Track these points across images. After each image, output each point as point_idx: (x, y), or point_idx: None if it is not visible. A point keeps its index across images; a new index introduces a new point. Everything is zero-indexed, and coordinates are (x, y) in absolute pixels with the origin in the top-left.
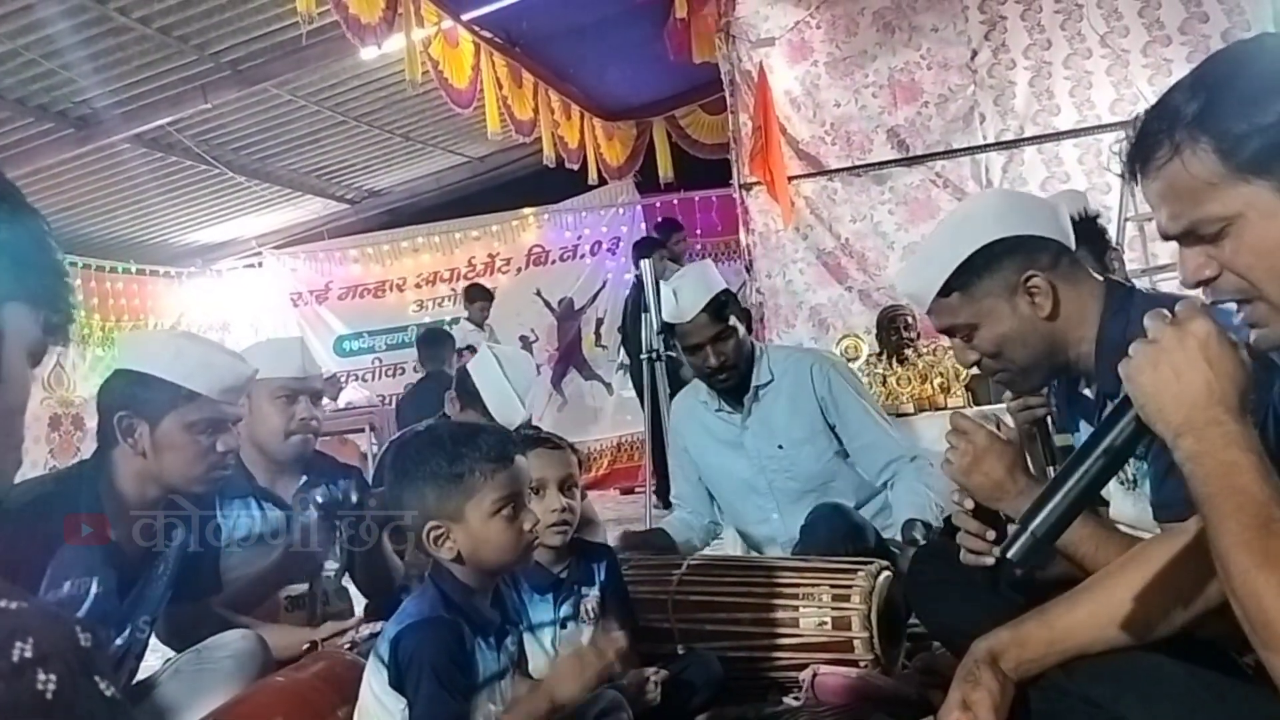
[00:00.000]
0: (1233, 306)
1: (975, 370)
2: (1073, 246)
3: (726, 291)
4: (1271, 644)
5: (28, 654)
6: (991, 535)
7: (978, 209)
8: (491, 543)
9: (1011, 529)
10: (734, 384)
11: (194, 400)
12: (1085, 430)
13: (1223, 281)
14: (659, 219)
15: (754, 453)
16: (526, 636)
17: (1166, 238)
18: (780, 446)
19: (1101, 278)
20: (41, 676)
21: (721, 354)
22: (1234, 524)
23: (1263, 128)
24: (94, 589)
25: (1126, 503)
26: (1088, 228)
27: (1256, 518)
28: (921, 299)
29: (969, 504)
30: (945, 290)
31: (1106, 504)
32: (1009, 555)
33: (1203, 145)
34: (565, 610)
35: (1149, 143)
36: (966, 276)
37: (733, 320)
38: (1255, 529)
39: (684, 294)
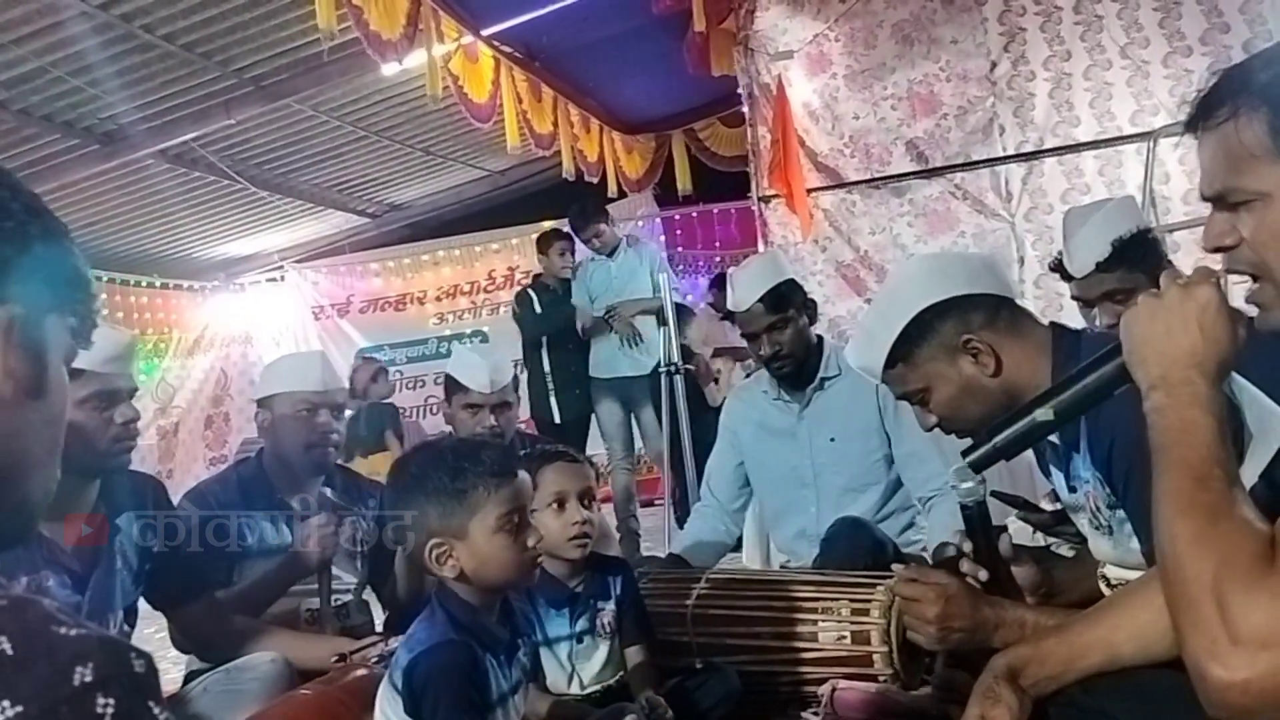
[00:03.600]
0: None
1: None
2: (1012, 295)
3: (789, 282)
4: (1180, 589)
5: (88, 679)
6: (985, 575)
7: (904, 279)
8: (495, 560)
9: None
10: (791, 372)
11: (80, 376)
12: (1058, 476)
13: (1240, 253)
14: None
15: (806, 443)
16: (542, 651)
17: (1203, 197)
18: (832, 439)
19: (1047, 323)
20: (101, 701)
21: (777, 343)
22: (1175, 474)
23: None
24: (49, 583)
25: (1104, 544)
26: (1139, 243)
27: (1195, 471)
28: (872, 373)
29: (967, 546)
30: (890, 362)
31: (1084, 539)
32: (969, 459)
33: (1258, 116)
34: (581, 625)
35: (1215, 98)
36: (906, 346)
37: (791, 311)
38: (1191, 480)
39: (741, 283)
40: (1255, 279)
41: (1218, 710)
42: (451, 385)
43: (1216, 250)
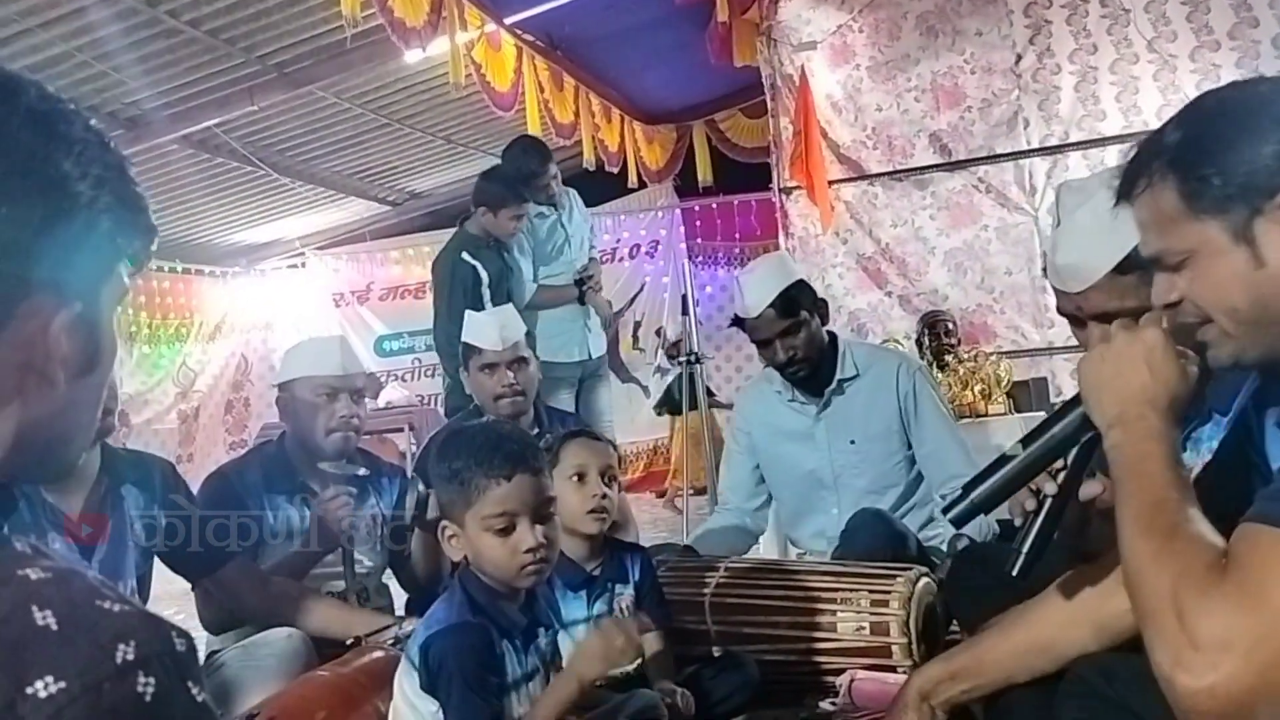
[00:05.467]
0: None
1: (1016, 378)
2: None
3: (798, 284)
4: (1144, 605)
5: (129, 656)
6: (1051, 489)
7: None
8: (485, 557)
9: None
10: (806, 375)
11: None
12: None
13: (1185, 307)
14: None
15: (824, 446)
16: (560, 634)
17: (1145, 258)
18: (853, 442)
19: None
20: (142, 679)
21: (791, 348)
22: (1134, 501)
23: (1221, 171)
24: (55, 545)
25: None
26: None
27: (1152, 496)
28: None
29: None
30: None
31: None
32: (947, 516)
33: (1170, 181)
34: (599, 607)
35: (1135, 170)
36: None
37: (803, 314)
38: (1149, 506)
39: (750, 289)
40: (1203, 323)
41: (1191, 718)
42: (467, 351)
43: (1166, 307)
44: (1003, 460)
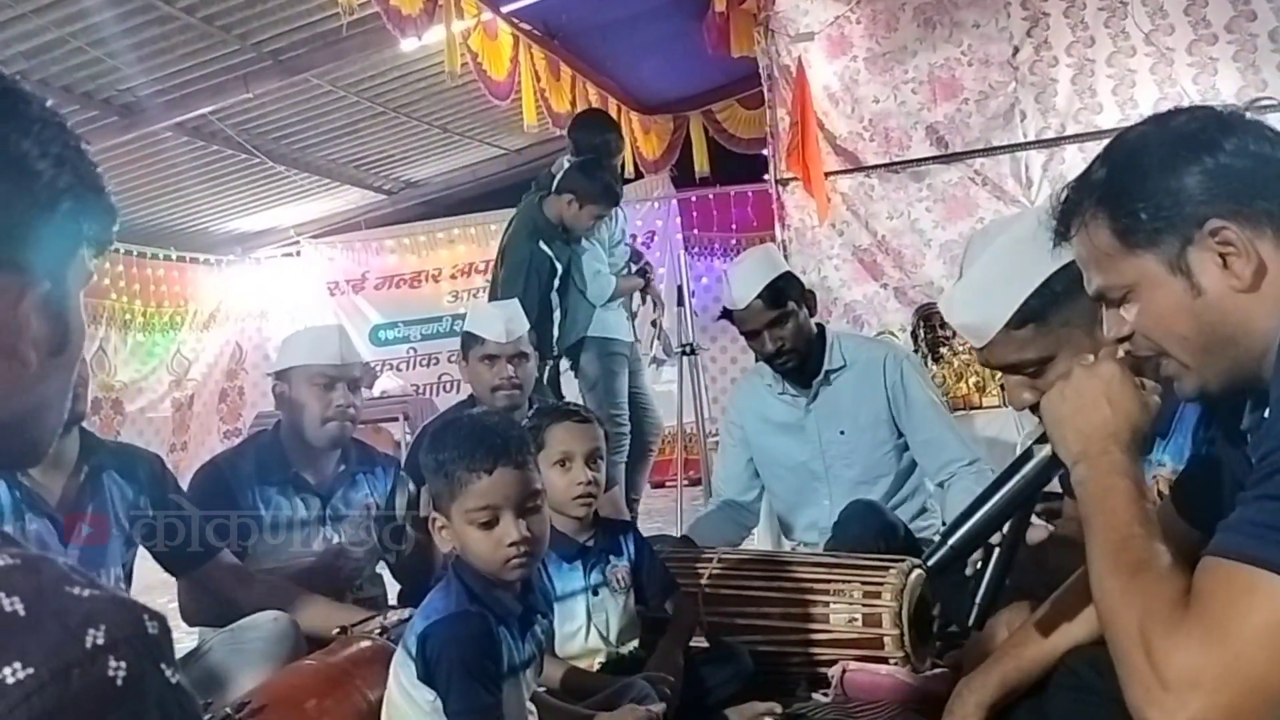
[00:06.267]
0: None
1: None
2: None
3: (785, 275)
4: (1115, 643)
5: (100, 641)
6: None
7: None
8: (470, 549)
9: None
10: (794, 366)
11: None
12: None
13: (1136, 340)
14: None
15: (815, 437)
16: (558, 606)
17: (1092, 297)
18: (842, 432)
19: None
20: (113, 663)
21: (779, 339)
22: (1101, 536)
23: (1148, 205)
24: (32, 526)
25: None
26: None
27: (1118, 532)
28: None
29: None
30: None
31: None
32: (929, 564)
33: (1101, 219)
34: (595, 577)
35: (1068, 211)
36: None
37: (790, 305)
38: (1116, 541)
39: (737, 280)
40: (1160, 356)
41: None
42: (469, 341)
43: (1119, 342)
44: (977, 504)
